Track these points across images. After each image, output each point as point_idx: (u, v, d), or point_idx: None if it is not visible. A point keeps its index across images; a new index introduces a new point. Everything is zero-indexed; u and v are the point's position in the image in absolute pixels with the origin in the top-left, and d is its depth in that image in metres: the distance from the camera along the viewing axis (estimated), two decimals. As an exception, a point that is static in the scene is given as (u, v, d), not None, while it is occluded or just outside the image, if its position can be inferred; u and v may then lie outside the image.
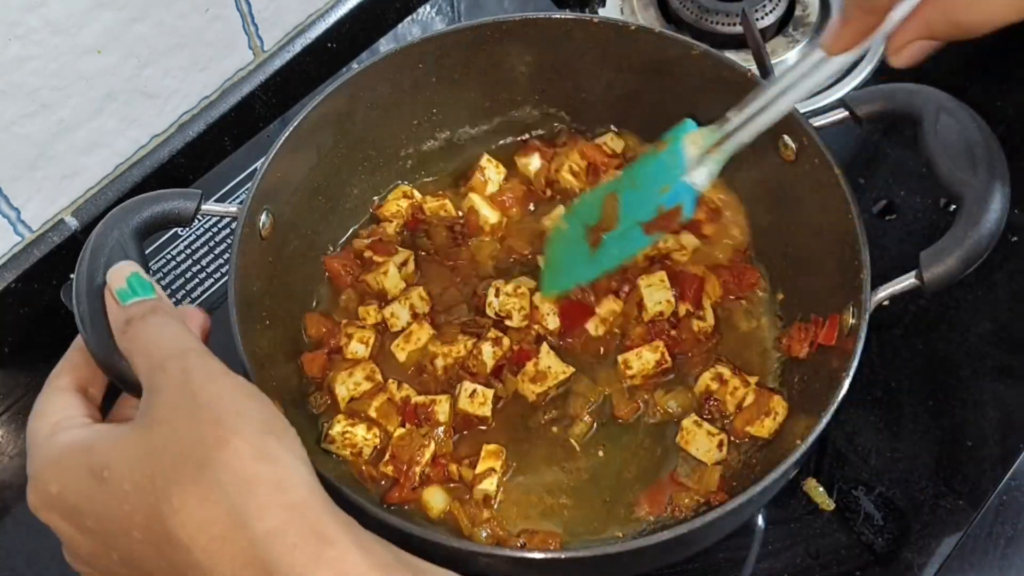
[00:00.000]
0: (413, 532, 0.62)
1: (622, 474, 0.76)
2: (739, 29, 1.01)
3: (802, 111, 0.76)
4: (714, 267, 0.84)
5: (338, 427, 0.76)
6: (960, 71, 1.02)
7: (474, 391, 0.77)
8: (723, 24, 1.02)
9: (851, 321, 0.71)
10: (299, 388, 0.79)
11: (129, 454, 0.50)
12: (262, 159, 0.75)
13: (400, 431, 0.76)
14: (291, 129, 0.76)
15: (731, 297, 0.83)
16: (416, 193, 0.89)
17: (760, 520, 0.79)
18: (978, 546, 0.77)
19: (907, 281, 0.68)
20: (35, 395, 0.60)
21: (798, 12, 1.06)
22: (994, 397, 0.84)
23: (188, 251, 0.94)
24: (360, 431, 0.76)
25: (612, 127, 0.91)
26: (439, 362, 0.80)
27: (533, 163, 0.90)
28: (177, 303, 0.90)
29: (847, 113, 0.74)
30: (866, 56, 1.03)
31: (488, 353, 0.79)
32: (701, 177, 0.69)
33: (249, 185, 0.74)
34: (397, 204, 0.88)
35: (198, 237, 0.95)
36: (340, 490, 0.61)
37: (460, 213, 0.88)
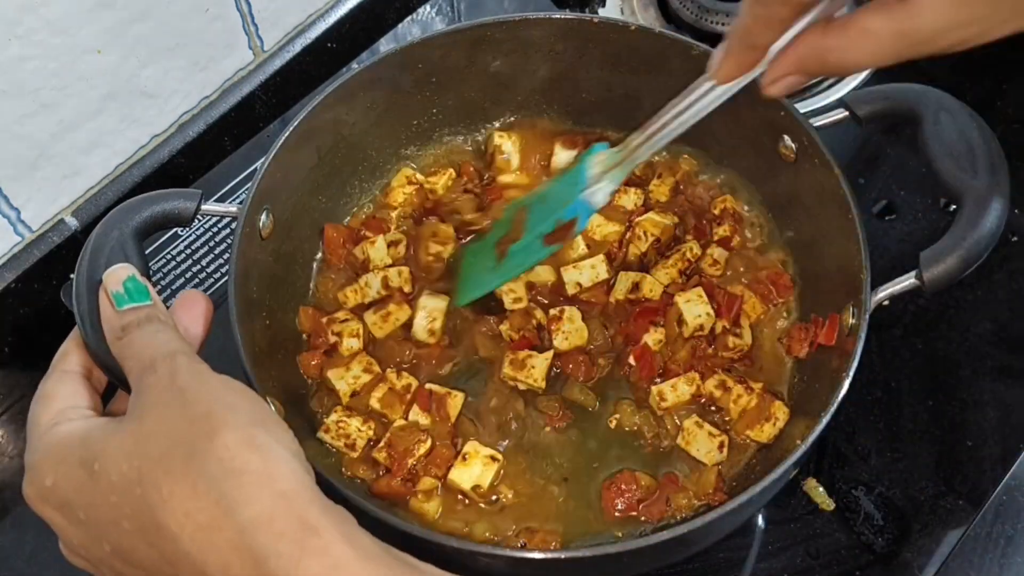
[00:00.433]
0: (414, 533, 0.62)
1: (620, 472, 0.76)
2: (739, 29, 1.01)
3: (802, 111, 0.76)
4: (750, 281, 0.83)
5: (334, 416, 0.76)
6: (960, 71, 1.02)
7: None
8: (723, 24, 1.02)
9: (851, 321, 0.71)
10: (299, 388, 0.79)
11: (118, 447, 0.51)
12: (262, 159, 0.75)
13: (400, 422, 0.77)
14: (291, 129, 0.76)
15: (770, 307, 0.81)
16: (419, 176, 0.89)
17: (760, 520, 0.79)
18: (978, 546, 0.77)
19: (907, 281, 0.68)
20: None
21: (798, 12, 1.05)
22: (994, 397, 0.84)
23: (188, 251, 0.94)
24: (355, 422, 0.76)
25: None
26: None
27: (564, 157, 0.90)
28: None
29: (847, 113, 0.74)
30: (866, 56, 1.03)
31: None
32: (598, 195, 0.73)
33: (249, 185, 0.74)
34: (403, 192, 0.88)
35: (198, 237, 0.95)
36: (337, 488, 0.61)
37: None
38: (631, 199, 0.87)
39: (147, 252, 0.65)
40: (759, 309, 0.81)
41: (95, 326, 0.59)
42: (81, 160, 0.90)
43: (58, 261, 0.92)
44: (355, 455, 0.76)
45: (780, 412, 0.75)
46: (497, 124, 0.92)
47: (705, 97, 0.64)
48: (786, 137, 0.78)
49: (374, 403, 0.77)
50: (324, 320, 0.81)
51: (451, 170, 0.89)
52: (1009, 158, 0.68)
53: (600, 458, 0.76)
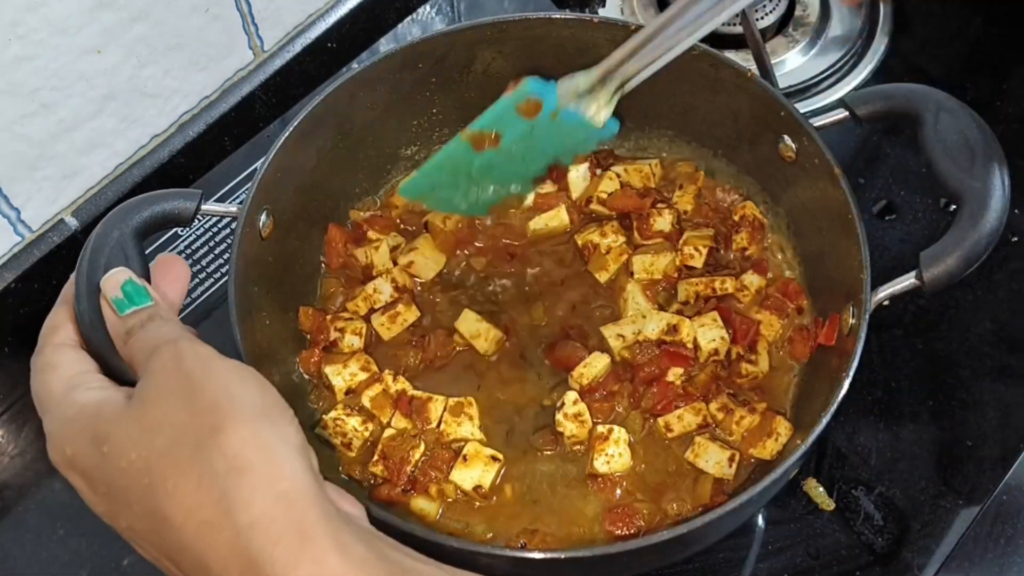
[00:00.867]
0: (415, 533, 0.62)
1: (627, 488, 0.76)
2: (739, 29, 1.01)
3: (802, 111, 0.76)
4: (762, 297, 0.82)
5: (332, 413, 0.76)
6: (960, 71, 1.03)
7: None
8: (723, 24, 1.02)
9: (851, 321, 0.71)
10: (300, 386, 0.80)
11: (125, 431, 0.51)
12: (262, 159, 0.75)
13: (390, 431, 0.76)
14: (291, 129, 0.76)
15: (784, 319, 0.80)
16: None
17: (760, 520, 0.79)
18: (978, 546, 0.77)
19: (907, 281, 0.68)
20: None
21: (798, 12, 1.06)
22: (994, 397, 0.84)
23: (188, 251, 0.94)
24: (352, 421, 0.76)
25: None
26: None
27: (580, 172, 0.89)
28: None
29: (847, 113, 0.74)
30: (866, 56, 1.03)
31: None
32: (592, 113, 0.70)
33: (249, 185, 0.74)
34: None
35: (198, 237, 0.95)
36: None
37: None
38: (666, 220, 0.85)
39: (147, 252, 0.65)
40: (776, 327, 0.80)
41: (95, 326, 0.59)
42: (81, 160, 0.90)
43: (58, 261, 0.92)
44: (352, 455, 0.76)
45: (782, 427, 0.74)
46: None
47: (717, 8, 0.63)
48: (786, 137, 0.78)
49: (365, 401, 0.77)
50: (328, 317, 0.81)
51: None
52: (1009, 158, 0.68)
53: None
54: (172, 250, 0.93)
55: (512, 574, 0.67)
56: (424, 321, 0.83)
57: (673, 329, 0.79)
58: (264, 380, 0.53)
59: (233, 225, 0.72)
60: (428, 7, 1.11)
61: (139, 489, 0.49)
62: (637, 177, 0.88)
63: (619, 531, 0.72)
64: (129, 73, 0.89)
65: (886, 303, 0.68)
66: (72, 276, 0.61)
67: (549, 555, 0.64)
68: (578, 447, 0.77)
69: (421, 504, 0.74)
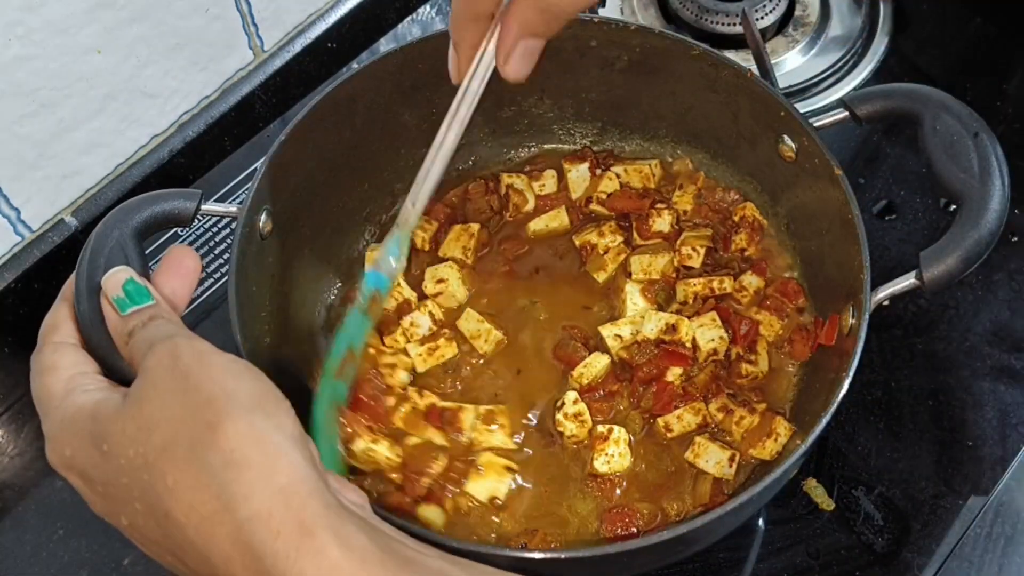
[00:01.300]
0: (415, 532, 0.62)
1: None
2: (739, 29, 1.01)
3: (802, 111, 0.76)
4: (760, 298, 0.82)
5: (361, 444, 0.72)
6: (960, 71, 1.03)
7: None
8: (723, 24, 1.02)
9: (851, 321, 0.70)
10: (300, 387, 0.79)
11: (123, 429, 0.51)
12: (262, 159, 0.75)
13: (414, 439, 0.75)
14: (291, 129, 0.76)
15: (784, 319, 0.80)
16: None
17: (760, 520, 0.79)
18: (978, 546, 0.77)
19: (907, 281, 0.68)
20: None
21: (798, 12, 1.06)
22: (994, 397, 0.84)
23: (188, 251, 0.94)
24: (382, 449, 0.72)
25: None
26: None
27: (580, 173, 0.89)
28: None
29: (847, 113, 0.74)
30: (866, 56, 1.03)
31: None
32: (382, 264, 0.68)
33: (249, 185, 0.74)
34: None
35: (198, 237, 0.95)
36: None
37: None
38: (665, 221, 0.85)
39: (147, 252, 0.65)
40: (776, 327, 0.80)
41: (95, 326, 0.59)
42: (81, 160, 0.90)
43: (58, 261, 0.92)
44: (395, 478, 0.74)
45: (782, 428, 0.74)
46: (498, 124, 0.92)
47: (457, 115, 0.64)
48: (786, 137, 0.78)
49: (398, 422, 0.75)
50: (372, 372, 0.78)
51: (434, 223, 0.88)
52: (1009, 158, 0.68)
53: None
54: (172, 250, 0.93)
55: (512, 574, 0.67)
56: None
57: (672, 328, 0.79)
58: (259, 373, 0.53)
59: (233, 225, 0.72)
60: (428, 7, 1.11)
61: (139, 486, 0.50)
62: (637, 177, 0.88)
63: (618, 531, 0.72)
64: (129, 73, 0.89)
65: (886, 303, 0.68)
66: (72, 275, 0.61)
67: (549, 555, 0.64)
68: (576, 446, 0.77)
69: (428, 514, 0.73)
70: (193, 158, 0.99)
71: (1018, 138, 0.92)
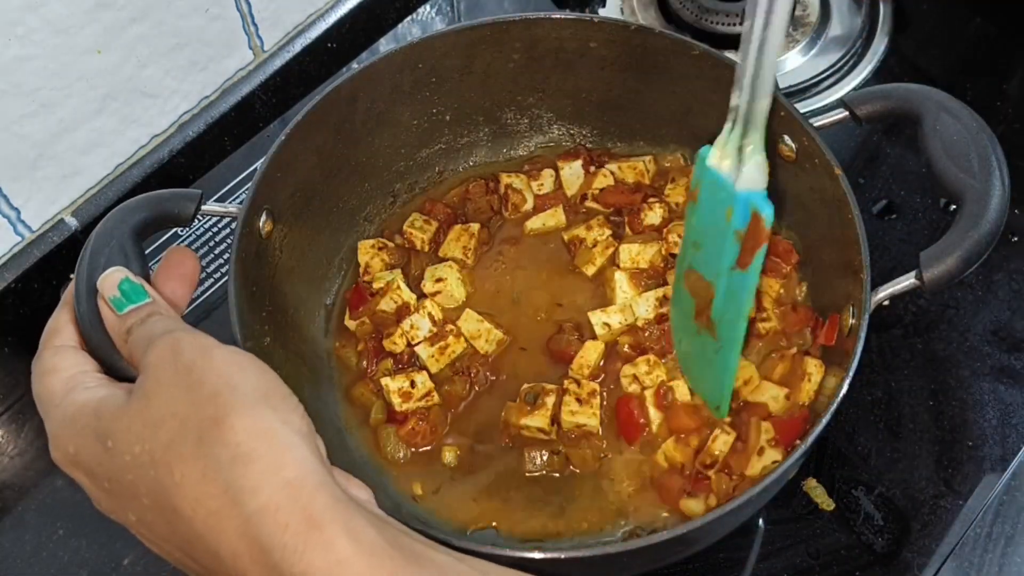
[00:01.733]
0: (420, 530, 0.62)
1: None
2: (739, 29, 1.00)
3: (802, 111, 0.76)
4: None
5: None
6: (960, 71, 1.03)
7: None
8: (723, 24, 1.02)
9: (851, 321, 0.71)
10: (299, 386, 0.79)
11: (128, 426, 0.51)
12: (262, 159, 0.75)
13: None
14: (291, 129, 0.76)
15: (782, 280, 0.81)
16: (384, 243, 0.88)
17: (760, 520, 0.79)
18: (978, 546, 0.77)
19: (907, 281, 0.68)
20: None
21: (798, 12, 1.06)
22: (994, 397, 0.84)
23: (188, 251, 0.94)
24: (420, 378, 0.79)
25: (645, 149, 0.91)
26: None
27: (573, 170, 0.90)
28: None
29: (847, 113, 0.74)
30: (866, 56, 1.03)
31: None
32: (752, 177, 0.66)
33: (249, 185, 0.74)
34: (379, 259, 0.86)
35: (198, 237, 0.95)
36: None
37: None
38: (656, 214, 0.86)
39: (147, 252, 0.65)
40: (776, 286, 0.81)
41: (95, 326, 0.59)
42: (81, 160, 0.90)
43: (58, 261, 0.92)
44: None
45: (812, 367, 0.74)
46: (497, 123, 0.92)
47: (776, 8, 0.61)
48: (786, 137, 0.78)
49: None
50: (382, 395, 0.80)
51: (434, 223, 0.88)
52: (1009, 158, 0.68)
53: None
54: (172, 250, 0.94)
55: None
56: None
57: (666, 300, 0.80)
58: (264, 366, 0.53)
59: (233, 225, 0.72)
60: (428, 7, 1.11)
61: (146, 482, 0.50)
62: (631, 174, 0.89)
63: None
64: (129, 73, 0.89)
65: (886, 303, 0.68)
66: (73, 278, 0.61)
67: (549, 555, 0.64)
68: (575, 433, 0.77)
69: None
70: (193, 158, 0.99)
71: (1018, 138, 0.92)
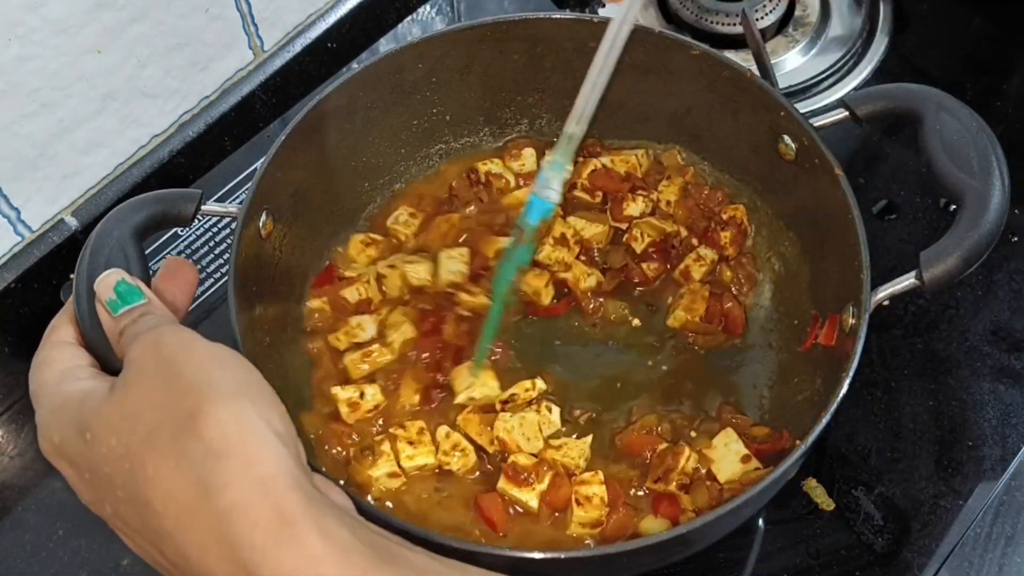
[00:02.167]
0: (416, 532, 0.62)
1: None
2: (739, 29, 1.01)
3: (802, 111, 0.76)
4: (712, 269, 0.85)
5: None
6: (960, 71, 1.03)
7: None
8: (723, 24, 1.02)
9: (851, 321, 0.70)
10: (300, 386, 0.80)
11: (106, 419, 0.51)
12: (262, 159, 0.75)
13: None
14: (291, 129, 0.76)
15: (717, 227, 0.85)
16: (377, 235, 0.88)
17: (760, 520, 0.79)
18: (978, 546, 0.77)
19: (907, 281, 0.68)
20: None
21: (798, 12, 1.06)
22: (994, 397, 0.84)
23: (188, 251, 0.94)
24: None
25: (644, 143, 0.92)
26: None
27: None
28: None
29: (847, 113, 0.74)
30: (866, 56, 1.03)
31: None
32: (545, 189, 0.74)
33: (249, 185, 0.74)
34: (365, 254, 0.86)
35: (198, 237, 0.95)
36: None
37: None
38: (638, 206, 0.87)
39: (147, 252, 0.65)
40: (729, 237, 0.85)
41: (95, 326, 0.59)
42: (81, 160, 0.90)
43: (58, 261, 0.92)
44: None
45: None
46: (497, 123, 0.92)
47: (613, 35, 0.70)
48: (786, 137, 0.78)
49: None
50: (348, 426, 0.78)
51: (420, 216, 0.88)
52: (1009, 158, 0.68)
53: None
54: (172, 250, 0.93)
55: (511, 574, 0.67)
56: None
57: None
58: (246, 361, 0.53)
59: (233, 225, 0.72)
60: (428, 7, 1.11)
61: (121, 475, 0.49)
62: (623, 167, 0.89)
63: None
64: (129, 73, 0.89)
65: (886, 303, 0.68)
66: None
67: (549, 555, 0.64)
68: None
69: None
70: (193, 158, 0.99)
71: (1018, 138, 0.92)
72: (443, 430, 0.76)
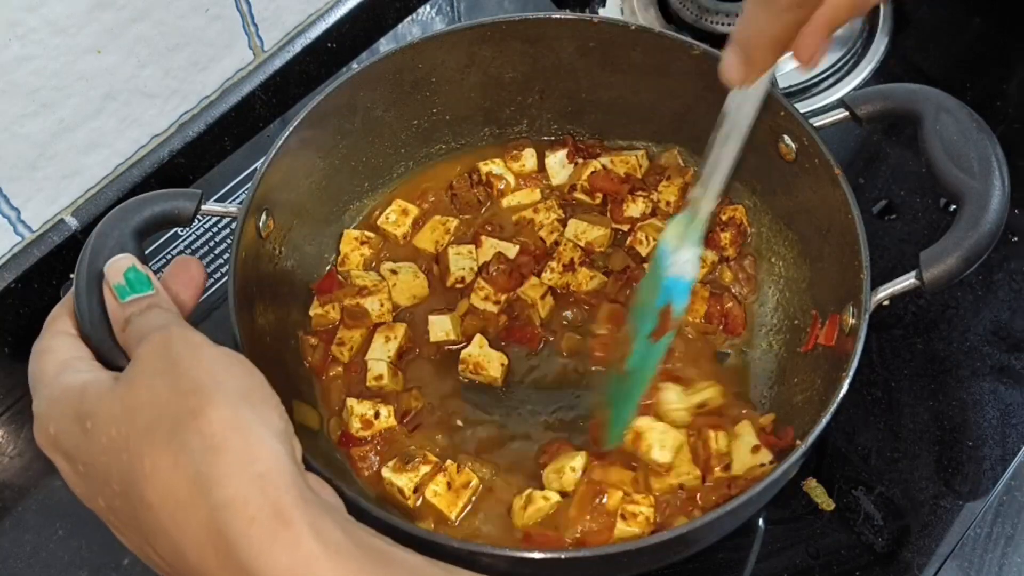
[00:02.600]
0: (417, 534, 0.62)
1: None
2: (739, 29, 1.01)
3: (802, 111, 0.76)
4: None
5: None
6: (960, 71, 1.03)
7: None
8: (723, 24, 1.02)
9: (851, 321, 0.71)
10: (300, 385, 0.80)
11: (108, 410, 0.51)
12: (262, 159, 0.75)
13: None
14: (291, 129, 0.76)
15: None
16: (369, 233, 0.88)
17: (760, 520, 0.79)
18: (978, 546, 0.77)
19: (907, 281, 0.68)
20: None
21: (798, 12, 1.05)
22: (994, 397, 0.84)
23: (188, 251, 0.94)
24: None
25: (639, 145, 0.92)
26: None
27: (557, 159, 0.91)
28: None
29: (847, 113, 0.74)
30: (866, 56, 1.03)
31: None
32: (682, 266, 0.69)
33: (249, 185, 0.74)
34: (359, 253, 0.86)
35: (198, 237, 0.95)
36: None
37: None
38: (639, 207, 0.87)
39: (147, 252, 0.65)
40: (729, 236, 0.85)
41: (95, 326, 0.59)
42: (81, 160, 0.90)
43: (58, 261, 0.92)
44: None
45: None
46: (497, 123, 0.92)
47: (740, 110, 0.66)
48: (786, 137, 0.78)
49: (431, 497, 0.75)
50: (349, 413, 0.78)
51: (411, 215, 0.88)
52: (1009, 158, 0.68)
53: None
54: (172, 250, 0.93)
55: (510, 574, 0.67)
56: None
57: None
58: (252, 367, 0.53)
59: (233, 225, 0.72)
60: (428, 7, 1.11)
61: (117, 467, 0.49)
62: (623, 168, 0.89)
63: None
64: (129, 73, 0.89)
65: (886, 303, 0.68)
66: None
67: (549, 555, 0.64)
68: None
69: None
70: (193, 158, 0.99)
71: (1018, 138, 0.92)
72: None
